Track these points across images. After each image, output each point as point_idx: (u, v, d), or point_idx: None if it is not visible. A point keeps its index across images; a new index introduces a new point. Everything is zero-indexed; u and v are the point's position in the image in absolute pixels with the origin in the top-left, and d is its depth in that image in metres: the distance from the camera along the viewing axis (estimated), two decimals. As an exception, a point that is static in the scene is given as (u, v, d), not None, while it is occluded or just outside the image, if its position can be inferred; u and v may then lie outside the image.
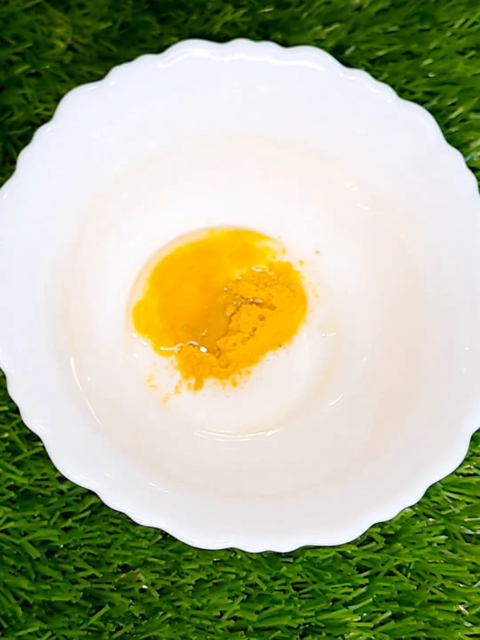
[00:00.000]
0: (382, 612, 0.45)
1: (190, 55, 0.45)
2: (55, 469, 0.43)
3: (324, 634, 0.45)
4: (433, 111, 0.50)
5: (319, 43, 0.51)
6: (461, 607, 0.46)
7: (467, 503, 0.47)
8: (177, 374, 0.47)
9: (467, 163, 0.46)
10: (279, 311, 0.48)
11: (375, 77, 0.49)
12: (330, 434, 0.46)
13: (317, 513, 0.43)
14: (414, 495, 0.42)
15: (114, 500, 0.42)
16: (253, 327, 0.48)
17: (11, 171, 0.45)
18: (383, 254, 0.48)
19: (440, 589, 0.46)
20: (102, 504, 0.45)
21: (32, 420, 0.43)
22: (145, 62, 0.45)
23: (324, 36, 0.51)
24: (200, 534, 0.42)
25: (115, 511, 0.43)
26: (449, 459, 0.43)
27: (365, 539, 0.46)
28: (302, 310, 0.48)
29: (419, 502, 0.44)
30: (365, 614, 0.45)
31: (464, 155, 0.48)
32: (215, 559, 0.45)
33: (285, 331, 0.48)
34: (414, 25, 0.52)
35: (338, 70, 0.45)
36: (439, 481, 0.43)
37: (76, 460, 0.43)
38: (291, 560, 0.46)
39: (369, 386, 0.47)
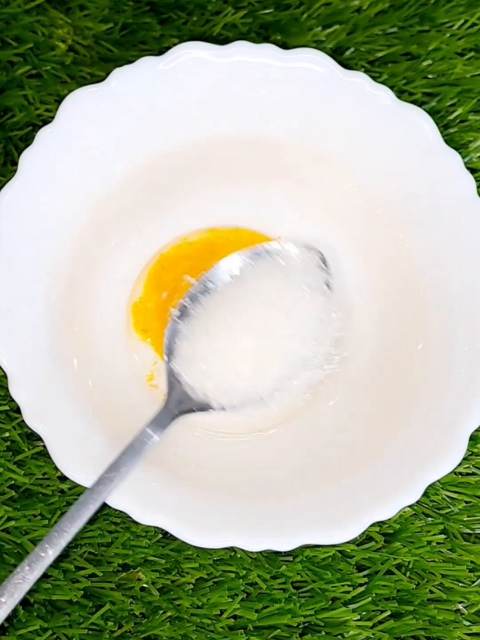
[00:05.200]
0: (382, 611, 0.45)
1: (191, 56, 0.45)
2: (56, 468, 0.44)
3: (323, 633, 0.45)
4: (432, 112, 0.50)
5: (318, 44, 0.51)
6: (460, 606, 0.46)
7: (466, 502, 0.47)
8: (177, 374, 0.48)
9: (466, 164, 0.46)
10: (279, 311, 0.48)
11: (375, 78, 0.50)
12: (330, 434, 0.46)
13: (317, 512, 0.43)
14: (413, 495, 0.43)
15: (114, 499, 0.43)
16: (253, 327, 0.48)
17: (12, 172, 0.45)
18: (382, 254, 0.48)
19: (439, 587, 0.46)
20: (103, 503, 0.45)
21: (33, 419, 0.43)
22: (146, 64, 0.45)
23: (323, 37, 0.51)
24: (201, 532, 0.42)
25: (116, 510, 0.43)
26: (448, 458, 0.43)
27: (365, 538, 0.46)
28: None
29: (418, 502, 0.44)
30: (364, 613, 0.45)
31: (463, 156, 0.48)
32: (215, 558, 0.46)
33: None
34: (413, 27, 0.52)
35: (337, 71, 0.45)
36: (438, 480, 0.43)
37: (77, 459, 0.43)
38: (291, 559, 0.46)
39: (369, 386, 0.47)
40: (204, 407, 0.45)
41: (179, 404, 0.44)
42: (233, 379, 0.45)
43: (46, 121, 0.49)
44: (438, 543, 0.46)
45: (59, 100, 0.47)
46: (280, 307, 0.45)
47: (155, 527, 0.44)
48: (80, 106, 0.45)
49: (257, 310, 0.45)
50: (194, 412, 0.45)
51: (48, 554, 0.40)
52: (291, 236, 0.49)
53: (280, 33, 0.51)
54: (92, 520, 0.46)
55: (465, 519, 0.47)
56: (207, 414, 0.46)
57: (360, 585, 0.46)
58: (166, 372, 0.45)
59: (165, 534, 0.46)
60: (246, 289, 0.46)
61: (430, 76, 0.51)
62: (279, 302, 0.45)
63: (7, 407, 0.47)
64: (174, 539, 0.45)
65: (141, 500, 0.42)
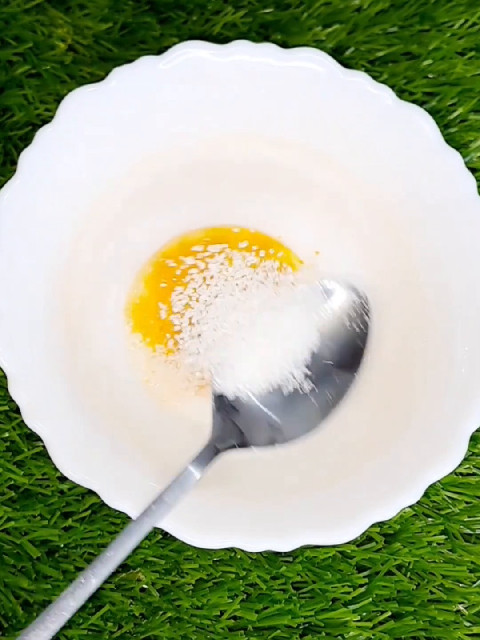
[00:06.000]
0: (382, 612, 0.45)
1: (191, 56, 0.45)
2: (56, 469, 0.44)
3: (323, 634, 0.45)
4: (432, 112, 0.50)
5: (319, 44, 0.51)
6: (460, 607, 0.46)
7: (467, 503, 0.47)
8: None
9: (467, 164, 0.46)
10: (279, 311, 0.48)
11: (375, 77, 0.50)
12: (330, 434, 0.46)
13: (317, 513, 0.43)
14: (414, 495, 0.42)
15: (114, 499, 0.42)
16: (253, 327, 0.48)
17: (12, 172, 0.45)
18: (382, 254, 0.48)
19: (440, 588, 0.46)
20: (103, 504, 0.45)
21: (33, 419, 0.43)
22: (146, 63, 0.45)
23: (323, 37, 0.51)
24: (201, 533, 0.42)
25: (116, 511, 0.43)
26: (449, 459, 0.43)
27: (365, 539, 0.46)
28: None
29: (418, 502, 0.44)
30: (364, 614, 0.45)
31: (464, 156, 0.48)
32: (215, 559, 0.46)
33: (285, 331, 0.48)
34: (414, 26, 0.52)
35: (338, 71, 0.45)
36: (439, 481, 0.43)
37: (76, 459, 0.43)
38: (291, 559, 0.46)
39: (369, 386, 0.47)
40: (244, 444, 0.45)
41: (222, 441, 0.44)
42: (273, 406, 0.46)
43: (46, 121, 0.49)
44: (438, 544, 0.46)
45: (59, 99, 0.47)
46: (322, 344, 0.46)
47: (155, 527, 0.44)
48: (80, 106, 0.45)
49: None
50: (235, 448, 0.44)
51: (91, 582, 0.40)
52: (291, 236, 0.49)
53: (281, 32, 0.51)
54: (91, 521, 0.46)
55: (465, 519, 0.47)
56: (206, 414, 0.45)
57: (361, 585, 0.46)
58: (212, 410, 0.45)
59: (165, 534, 0.46)
60: (295, 322, 0.46)
61: (430, 76, 0.51)
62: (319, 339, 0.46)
63: (6, 408, 0.47)
64: (174, 539, 0.45)
65: (141, 501, 0.42)
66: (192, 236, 0.49)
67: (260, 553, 0.45)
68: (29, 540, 0.45)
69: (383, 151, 0.46)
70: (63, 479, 0.46)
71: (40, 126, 0.47)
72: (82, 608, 0.45)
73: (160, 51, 0.48)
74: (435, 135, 0.45)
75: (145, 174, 0.47)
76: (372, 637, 0.45)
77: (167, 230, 0.49)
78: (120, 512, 0.43)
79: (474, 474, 0.47)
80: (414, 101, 0.50)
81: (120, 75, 0.45)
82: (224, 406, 0.45)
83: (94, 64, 0.51)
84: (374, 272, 0.48)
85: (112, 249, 0.48)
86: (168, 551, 0.45)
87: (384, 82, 0.50)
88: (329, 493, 0.44)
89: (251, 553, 0.45)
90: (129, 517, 0.43)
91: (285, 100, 0.46)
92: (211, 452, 0.44)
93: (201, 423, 0.47)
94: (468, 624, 0.46)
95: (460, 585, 0.46)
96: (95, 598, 0.45)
